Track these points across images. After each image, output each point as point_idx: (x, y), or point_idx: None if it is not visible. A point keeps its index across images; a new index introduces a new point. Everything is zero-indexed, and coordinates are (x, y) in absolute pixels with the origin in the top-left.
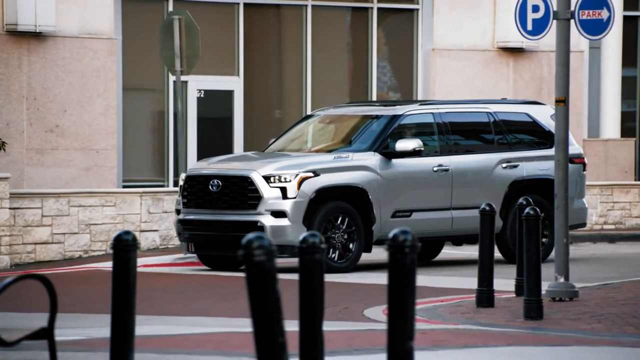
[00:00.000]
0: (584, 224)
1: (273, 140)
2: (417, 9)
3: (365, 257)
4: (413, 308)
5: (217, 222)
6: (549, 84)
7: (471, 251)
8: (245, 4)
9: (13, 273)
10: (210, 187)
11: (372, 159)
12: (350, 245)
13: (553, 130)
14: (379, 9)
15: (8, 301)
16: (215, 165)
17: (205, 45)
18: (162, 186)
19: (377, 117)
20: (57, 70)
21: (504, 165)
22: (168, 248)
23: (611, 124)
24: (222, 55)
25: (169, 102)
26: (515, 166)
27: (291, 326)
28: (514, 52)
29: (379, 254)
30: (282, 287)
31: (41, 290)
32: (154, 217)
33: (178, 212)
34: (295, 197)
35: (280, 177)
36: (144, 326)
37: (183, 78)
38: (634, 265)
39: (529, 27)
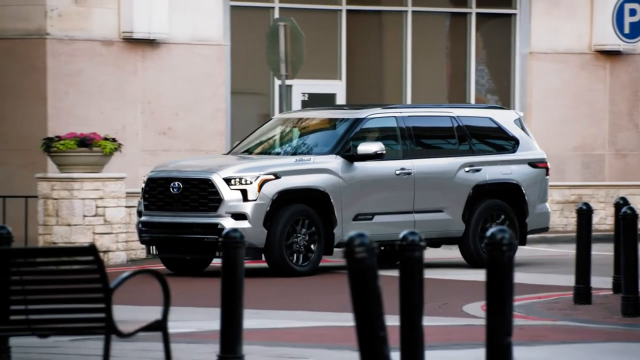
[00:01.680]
0: (546, 228)
1: (237, 143)
2: (515, 14)
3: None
4: (511, 304)
5: (178, 225)
6: None
7: (565, 249)
8: (348, 11)
9: (129, 268)
10: (171, 189)
11: (334, 161)
12: (312, 247)
13: (516, 135)
14: (477, 14)
15: (124, 295)
16: (176, 168)
17: (309, 50)
18: None
19: (340, 120)
20: (169, 76)
21: (466, 169)
22: None
23: None
24: (325, 59)
25: (274, 105)
26: (478, 170)
27: (392, 321)
28: (611, 55)
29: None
30: (382, 283)
31: (155, 285)
32: None
33: (140, 213)
34: (255, 200)
35: (240, 179)
36: (251, 319)
37: (288, 82)
38: None
39: (626, 30)
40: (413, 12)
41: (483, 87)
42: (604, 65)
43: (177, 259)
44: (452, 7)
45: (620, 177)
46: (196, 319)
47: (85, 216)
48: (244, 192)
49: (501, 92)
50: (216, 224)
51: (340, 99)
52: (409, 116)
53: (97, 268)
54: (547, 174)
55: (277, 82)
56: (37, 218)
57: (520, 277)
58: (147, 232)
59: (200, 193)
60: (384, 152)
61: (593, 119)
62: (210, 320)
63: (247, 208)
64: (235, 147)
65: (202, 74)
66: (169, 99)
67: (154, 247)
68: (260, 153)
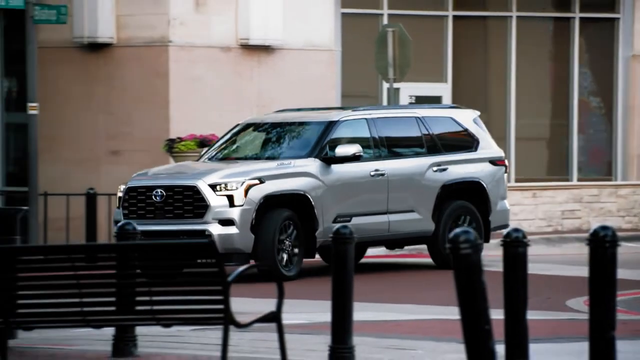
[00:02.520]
0: (507, 225)
1: (206, 149)
2: (618, 18)
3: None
4: (614, 299)
5: (163, 232)
6: None
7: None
8: (454, 16)
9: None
10: (153, 197)
11: (313, 165)
12: (295, 251)
13: (476, 134)
14: (580, 18)
15: (241, 287)
16: (156, 176)
17: (416, 54)
18: None
19: (313, 123)
20: (283, 80)
21: (434, 168)
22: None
23: None
24: (431, 63)
25: None
26: (445, 169)
27: (496, 314)
28: None
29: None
30: (487, 278)
31: (263, 279)
32: None
33: (117, 222)
34: (242, 205)
35: (226, 185)
36: (360, 312)
37: (395, 85)
38: None
39: None
40: (517, 17)
41: (586, 90)
42: None
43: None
44: (555, 12)
45: None
46: (306, 311)
47: None
48: (230, 198)
49: (604, 94)
50: (203, 231)
51: (446, 101)
52: (378, 118)
53: (216, 263)
54: (505, 172)
55: (386, 86)
56: None
57: (623, 273)
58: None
59: (185, 200)
60: (362, 153)
61: None
62: (320, 312)
63: (234, 214)
64: (205, 152)
65: (313, 78)
66: (283, 102)
67: None
68: (239, 158)
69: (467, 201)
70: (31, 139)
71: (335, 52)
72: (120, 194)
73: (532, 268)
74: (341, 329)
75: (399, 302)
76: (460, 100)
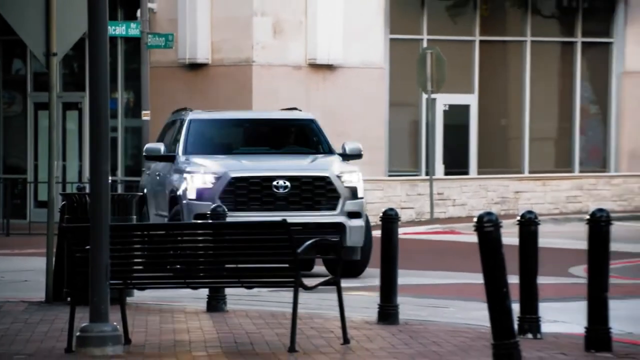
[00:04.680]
0: None
1: (152, 145)
2: (612, 42)
3: None
4: (607, 267)
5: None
6: None
7: None
8: (480, 41)
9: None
10: (274, 188)
11: (337, 160)
12: None
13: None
14: (582, 42)
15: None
16: (268, 167)
17: (449, 71)
18: (416, 175)
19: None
20: (342, 92)
21: None
22: (421, 221)
23: None
24: (462, 78)
25: (422, 114)
26: None
27: (512, 279)
28: None
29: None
30: (505, 250)
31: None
32: (411, 197)
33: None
34: (363, 198)
35: (349, 176)
36: (404, 277)
37: (433, 96)
38: None
39: None
40: (532, 41)
41: (586, 99)
42: None
43: None
44: (562, 37)
45: None
46: (361, 276)
47: None
48: (354, 190)
49: (600, 103)
50: (340, 223)
51: (474, 109)
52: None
53: (287, 237)
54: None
55: (425, 96)
56: None
57: (615, 246)
58: None
59: (317, 191)
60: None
61: None
62: (371, 277)
63: (361, 206)
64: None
65: (367, 90)
66: (343, 111)
67: None
68: (258, 153)
69: None
70: (144, 139)
71: (385, 70)
72: (223, 185)
73: (542, 242)
74: (388, 290)
75: (438, 269)
76: (484, 107)
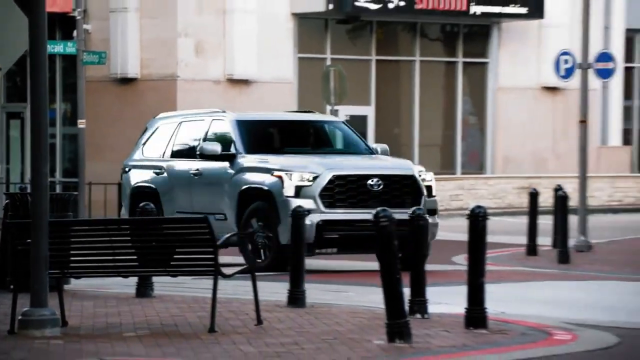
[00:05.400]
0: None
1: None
2: (488, 62)
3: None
4: (484, 256)
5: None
6: (575, 111)
7: (522, 220)
8: (376, 60)
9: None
10: (369, 186)
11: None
12: None
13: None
14: (463, 62)
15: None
16: (364, 165)
17: (349, 85)
18: None
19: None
20: (257, 105)
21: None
22: None
23: (615, 135)
24: (360, 92)
25: None
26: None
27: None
28: (552, 89)
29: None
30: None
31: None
32: None
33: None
34: (436, 195)
35: (425, 175)
36: (311, 266)
37: (335, 107)
38: (633, 229)
39: (562, 73)
40: (420, 61)
41: (467, 111)
42: (547, 96)
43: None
44: (445, 57)
45: (560, 171)
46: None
47: None
48: (430, 189)
49: (479, 115)
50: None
51: (371, 119)
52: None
53: (208, 231)
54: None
55: (328, 108)
56: None
57: (491, 238)
58: (335, 230)
59: (404, 189)
60: None
61: (540, 133)
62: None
63: (436, 204)
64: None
65: (279, 102)
66: None
67: (334, 246)
68: (297, 152)
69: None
70: (80, 145)
71: (294, 85)
72: (323, 183)
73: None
74: (296, 277)
75: (337, 259)
76: (379, 118)
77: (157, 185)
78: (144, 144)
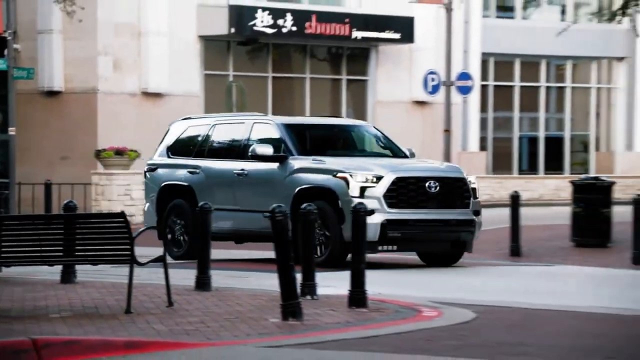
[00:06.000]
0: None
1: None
2: (368, 79)
3: None
4: (364, 246)
5: (439, 221)
6: (440, 122)
7: None
8: (272, 77)
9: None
10: (427, 188)
11: None
12: None
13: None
14: (346, 79)
15: (145, 240)
16: (421, 168)
17: (249, 98)
18: None
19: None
20: (169, 115)
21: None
22: None
23: (473, 143)
24: (259, 104)
25: None
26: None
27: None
28: (421, 103)
29: None
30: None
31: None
32: None
33: (372, 211)
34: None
35: (471, 178)
36: (216, 255)
37: None
38: (490, 222)
39: (429, 89)
40: (310, 77)
41: None
42: (417, 109)
43: (430, 252)
44: (332, 75)
45: None
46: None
47: (119, 195)
48: (474, 191)
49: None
50: (472, 220)
51: None
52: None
53: (125, 225)
54: None
55: None
56: (92, 196)
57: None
58: (397, 229)
59: (456, 191)
60: None
61: (411, 141)
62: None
63: (480, 205)
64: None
65: (188, 113)
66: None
67: (395, 244)
68: (347, 154)
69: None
70: (11, 149)
71: (201, 98)
72: (387, 185)
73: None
74: (203, 264)
75: (238, 249)
76: None
77: (192, 183)
78: (170, 144)
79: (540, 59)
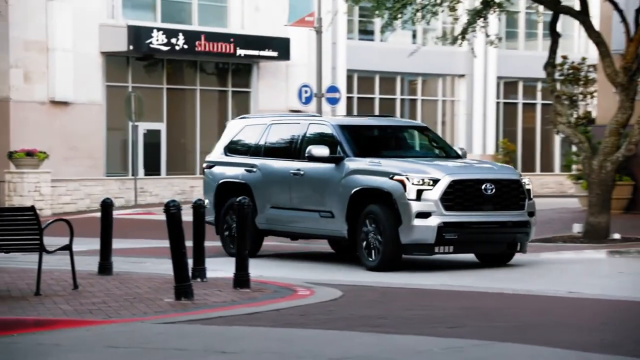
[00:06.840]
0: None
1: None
2: (250, 91)
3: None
4: (247, 235)
5: (495, 223)
6: None
7: None
8: (167, 88)
9: (51, 218)
10: (484, 190)
11: None
12: None
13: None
14: (232, 91)
15: (53, 230)
16: (475, 171)
17: (146, 107)
18: (126, 176)
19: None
20: (75, 121)
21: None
22: (129, 206)
23: None
24: (155, 112)
25: (129, 135)
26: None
27: (189, 243)
28: (297, 112)
29: None
30: (184, 225)
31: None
32: (122, 190)
33: (429, 214)
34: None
35: (525, 180)
36: (117, 244)
37: (136, 124)
38: None
39: (303, 100)
40: (200, 89)
41: None
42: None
43: (485, 253)
44: (219, 87)
45: None
46: (88, 244)
47: (29, 191)
48: (529, 192)
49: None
50: (527, 222)
51: (163, 132)
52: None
53: (34, 218)
54: None
55: (130, 124)
56: (5, 193)
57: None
58: (454, 231)
59: (512, 193)
60: None
61: None
62: (97, 244)
63: (534, 206)
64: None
65: (92, 119)
66: (74, 133)
67: (450, 247)
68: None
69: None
70: None
71: (103, 106)
72: (443, 187)
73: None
74: (105, 251)
75: (137, 238)
76: (170, 131)
77: (249, 181)
78: (228, 143)
79: (396, 75)
